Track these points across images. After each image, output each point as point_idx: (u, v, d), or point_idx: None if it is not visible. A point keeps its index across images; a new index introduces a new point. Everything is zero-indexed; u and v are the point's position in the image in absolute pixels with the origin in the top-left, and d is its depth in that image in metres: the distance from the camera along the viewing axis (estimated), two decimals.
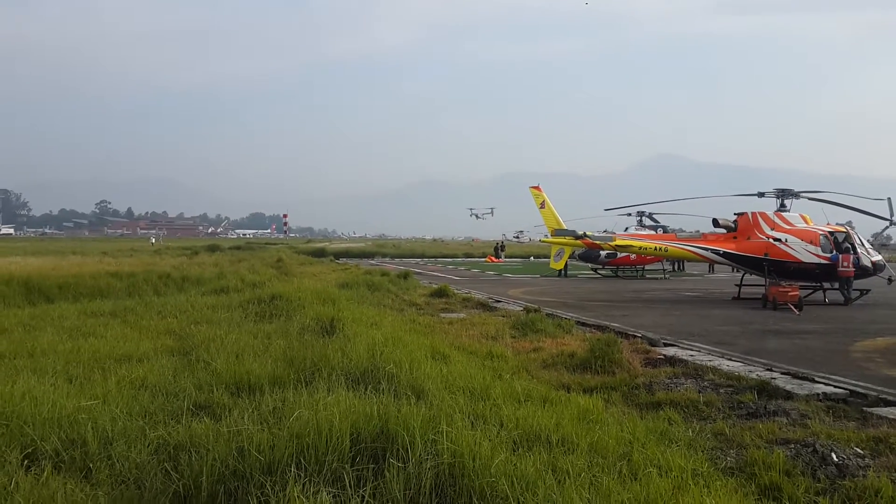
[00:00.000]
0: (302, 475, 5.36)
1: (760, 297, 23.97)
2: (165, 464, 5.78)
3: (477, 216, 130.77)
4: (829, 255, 24.83)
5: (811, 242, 25.27)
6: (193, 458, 5.73)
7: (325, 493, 5.04)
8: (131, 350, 11.16)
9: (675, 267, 47.12)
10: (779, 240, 25.69)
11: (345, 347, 10.18)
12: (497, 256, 66.19)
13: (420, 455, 5.58)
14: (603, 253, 38.44)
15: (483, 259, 67.41)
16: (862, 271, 25.10)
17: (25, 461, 5.80)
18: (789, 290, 22.77)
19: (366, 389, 7.82)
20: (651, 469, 6.00)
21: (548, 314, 18.31)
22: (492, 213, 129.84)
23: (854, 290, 24.77)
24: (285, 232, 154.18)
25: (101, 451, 5.97)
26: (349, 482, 5.31)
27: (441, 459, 5.52)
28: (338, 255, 71.25)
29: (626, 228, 42.31)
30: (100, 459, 5.83)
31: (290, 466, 5.46)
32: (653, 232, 38.97)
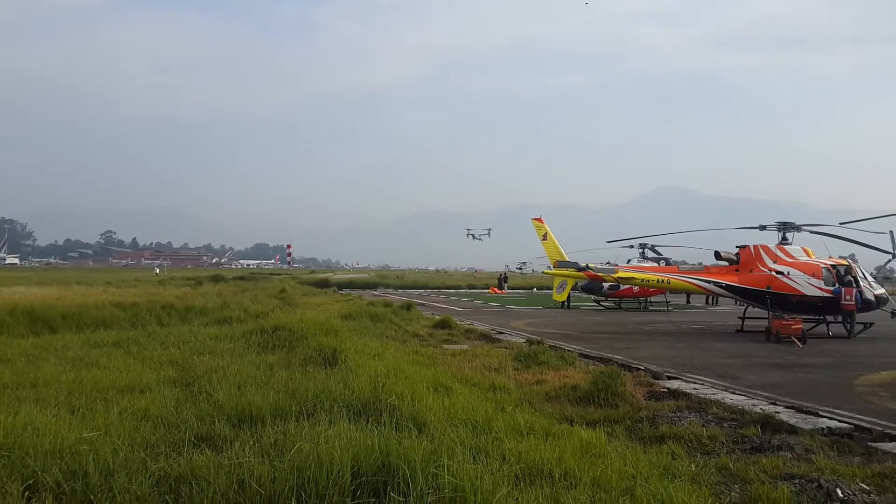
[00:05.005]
0: None
1: (764, 329, 23.91)
2: (166, 496, 5.78)
3: (474, 236, 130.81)
4: (831, 289, 24.79)
5: (813, 275, 25.26)
6: (194, 491, 5.73)
7: None
8: (134, 381, 11.14)
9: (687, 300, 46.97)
10: (781, 273, 25.66)
11: (347, 379, 10.20)
12: (500, 288, 66.08)
13: (421, 489, 5.58)
14: (606, 285, 38.37)
15: (486, 290, 67.33)
16: (865, 304, 25.06)
17: (26, 492, 5.79)
18: (792, 323, 22.69)
19: (367, 422, 7.82)
20: None
21: (551, 346, 18.25)
22: (489, 233, 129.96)
23: (857, 323, 24.70)
24: (289, 262, 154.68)
25: (102, 482, 5.95)
26: None
27: (442, 493, 5.52)
28: (341, 285, 71.36)
29: (629, 260, 42.28)
30: (101, 491, 5.81)
31: (291, 500, 5.47)
32: (655, 264, 38.94)
